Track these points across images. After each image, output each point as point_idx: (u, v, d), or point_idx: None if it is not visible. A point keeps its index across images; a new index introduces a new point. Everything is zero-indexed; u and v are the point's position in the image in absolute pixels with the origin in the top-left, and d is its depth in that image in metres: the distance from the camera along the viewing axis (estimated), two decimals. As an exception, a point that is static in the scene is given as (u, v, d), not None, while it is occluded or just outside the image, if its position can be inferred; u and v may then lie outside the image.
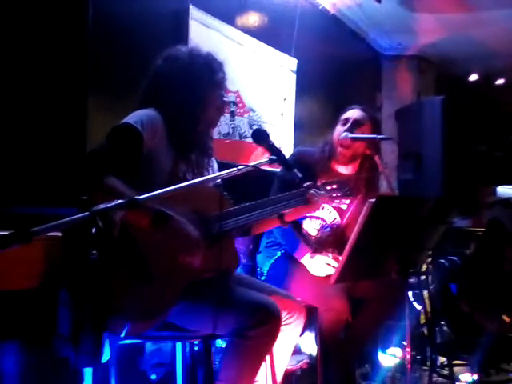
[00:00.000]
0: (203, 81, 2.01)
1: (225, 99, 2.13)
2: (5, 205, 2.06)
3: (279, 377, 2.16)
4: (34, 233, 1.12)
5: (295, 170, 2.57)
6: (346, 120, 2.72)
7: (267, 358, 2.02)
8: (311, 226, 2.77)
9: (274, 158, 1.86)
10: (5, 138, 2.10)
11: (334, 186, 2.32)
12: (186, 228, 1.76)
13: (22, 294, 2.03)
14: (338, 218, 2.79)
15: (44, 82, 2.24)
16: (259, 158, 3.38)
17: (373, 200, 1.99)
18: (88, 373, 1.70)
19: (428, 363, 3.13)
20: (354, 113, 2.74)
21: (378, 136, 2.69)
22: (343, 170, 2.76)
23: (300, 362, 2.68)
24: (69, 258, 1.63)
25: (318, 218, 2.77)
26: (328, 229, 2.78)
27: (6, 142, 2.11)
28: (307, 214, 2.65)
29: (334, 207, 2.78)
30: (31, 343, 2.06)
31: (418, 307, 3.36)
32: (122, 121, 1.86)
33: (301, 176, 2.61)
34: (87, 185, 1.65)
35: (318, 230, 2.77)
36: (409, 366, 2.26)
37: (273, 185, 2.71)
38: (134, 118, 1.88)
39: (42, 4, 2.24)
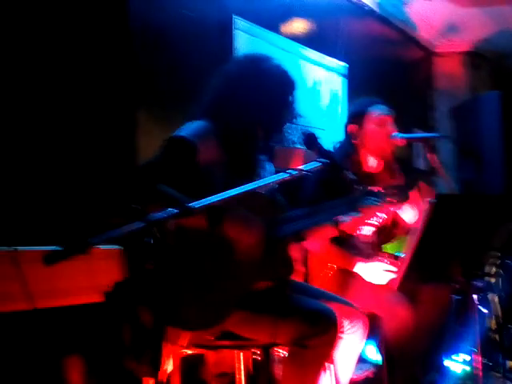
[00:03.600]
0: (274, 101, 1.96)
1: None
2: (58, 217, 2.11)
3: (344, 386, 2.11)
4: (91, 243, 1.12)
5: (347, 173, 2.53)
6: (381, 120, 2.65)
7: (331, 366, 1.97)
8: (366, 228, 2.70)
9: (326, 161, 1.82)
10: (56, 149, 2.17)
11: (389, 191, 2.26)
12: (244, 216, 1.74)
13: (88, 308, 2.06)
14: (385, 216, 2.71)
15: (96, 96, 2.31)
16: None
17: (433, 200, 1.91)
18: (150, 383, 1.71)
19: (499, 369, 2.98)
20: (385, 110, 2.69)
21: (433, 134, 2.63)
22: (373, 163, 2.70)
23: (365, 370, 2.61)
24: (129, 269, 1.65)
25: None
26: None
27: (56, 153, 2.17)
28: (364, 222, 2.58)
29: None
30: (96, 355, 2.10)
31: (485, 311, 3.22)
32: (176, 133, 1.83)
33: (354, 178, 2.57)
34: (141, 197, 1.65)
35: (374, 232, 2.69)
36: (480, 372, 2.16)
37: (305, 187, 2.60)
38: (188, 130, 1.84)
39: (90, 17, 2.31)
